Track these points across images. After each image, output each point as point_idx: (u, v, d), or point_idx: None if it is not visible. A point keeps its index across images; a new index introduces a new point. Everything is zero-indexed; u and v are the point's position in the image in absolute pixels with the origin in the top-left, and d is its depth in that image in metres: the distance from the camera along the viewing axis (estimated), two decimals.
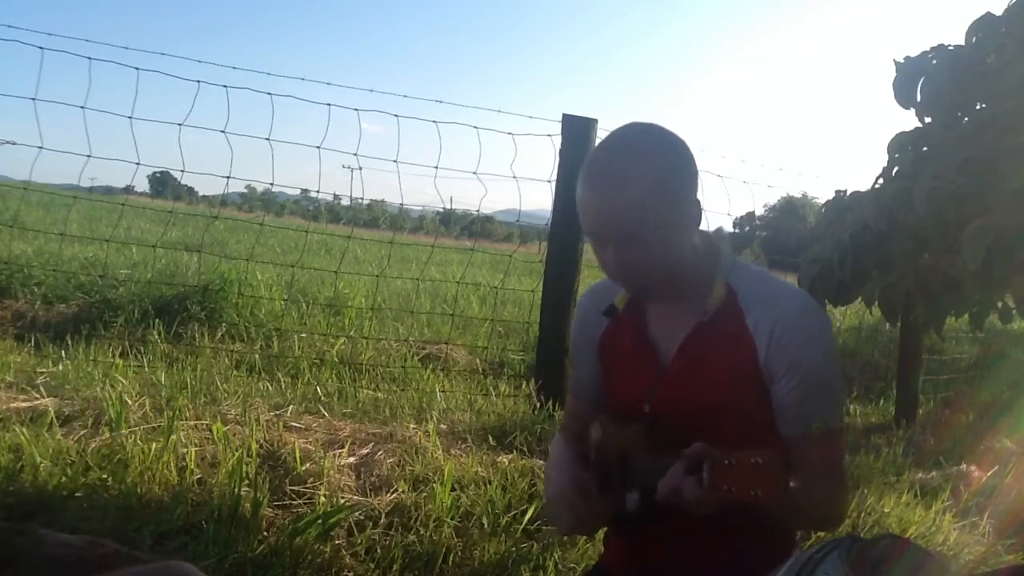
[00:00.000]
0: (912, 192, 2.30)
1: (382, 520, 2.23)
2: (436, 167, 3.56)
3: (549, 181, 3.34)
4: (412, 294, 6.28)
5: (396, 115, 3.40)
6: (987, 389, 4.73)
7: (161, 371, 3.24)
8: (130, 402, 2.60)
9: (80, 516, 1.97)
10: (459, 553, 2.17)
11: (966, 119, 2.53)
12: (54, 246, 5.93)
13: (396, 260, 9.88)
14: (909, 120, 2.67)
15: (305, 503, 2.24)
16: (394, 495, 2.35)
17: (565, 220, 3.34)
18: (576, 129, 3.29)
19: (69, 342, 3.66)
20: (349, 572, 2.03)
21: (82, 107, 3.13)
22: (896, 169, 2.67)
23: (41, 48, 3.08)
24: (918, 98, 2.57)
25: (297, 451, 2.42)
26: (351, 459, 2.52)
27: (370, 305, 5.33)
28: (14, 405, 2.58)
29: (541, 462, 2.66)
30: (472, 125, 3.49)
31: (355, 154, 3.59)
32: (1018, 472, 3.28)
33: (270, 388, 3.35)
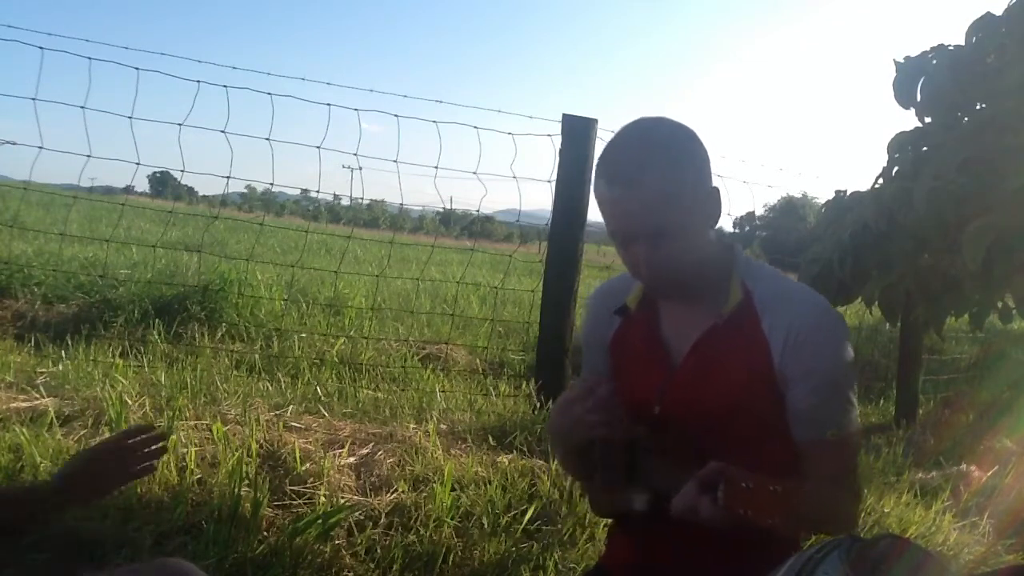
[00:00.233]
0: (912, 192, 2.30)
1: (382, 520, 2.23)
2: (436, 167, 3.56)
3: (549, 181, 3.34)
4: (412, 294, 6.28)
5: (396, 115, 3.40)
6: (987, 389, 4.73)
7: (161, 371, 3.24)
8: (130, 402, 2.60)
9: (80, 516, 1.97)
10: (459, 553, 2.17)
11: (966, 119, 2.53)
12: (54, 246, 5.93)
13: (396, 260, 9.88)
14: (909, 120, 2.67)
15: (305, 503, 2.24)
16: (394, 495, 2.35)
17: (565, 220, 3.34)
18: (576, 129, 3.29)
19: (69, 342, 3.66)
20: (349, 572, 2.03)
21: (82, 107, 3.13)
22: (896, 169, 2.67)
23: (41, 48, 3.08)
24: (918, 98, 2.57)
25: (297, 451, 2.42)
26: (351, 459, 2.52)
27: (370, 305, 5.33)
28: (14, 405, 2.58)
29: (541, 462, 2.67)
30: (472, 125, 3.49)
31: (355, 154, 3.60)
32: (1018, 472, 3.29)
33: (270, 388, 3.35)
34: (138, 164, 3.29)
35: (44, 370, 3.11)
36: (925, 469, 3.46)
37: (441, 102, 4.50)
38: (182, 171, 3.54)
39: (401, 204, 4.17)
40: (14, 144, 3.37)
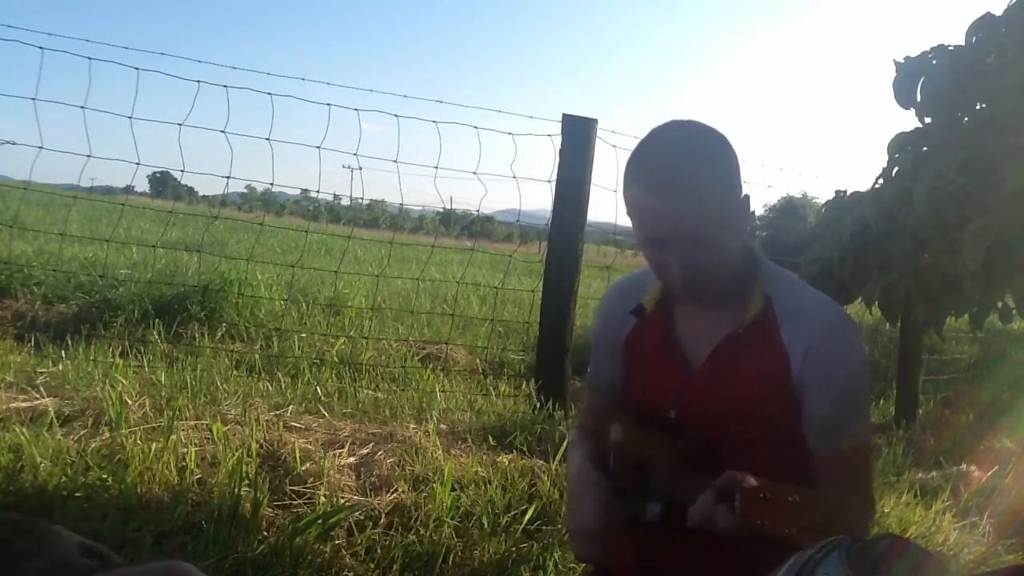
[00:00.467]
0: (912, 192, 2.30)
1: (382, 520, 2.23)
2: (436, 167, 3.57)
3: (549, 181, 3.34)
4: (412, 294, 6.28)
5: (396, 115, 3.41)
6: (987, 389, 4.73)
7: (161, 371, 3.24)
8: (130, 402, 2.60)
9: (80, 516, 1.97)
10: (459, 553, 2.17)
11: (966, 119, 2.54)
12: (54, 246, 5.93)
13: (396, 260, 9.88)
14: (909, 120, 2.67)
15: (305, 503, 2.24)
16: (394, 495, 2.35)
17: (565, 220, 3.34)
18: (576, 129, 3.29)
19: (69, 342, 3.66)
20: (349, 572, 2.03)
21: (82, 107, 3.14)
22: (896, 169, 2.67)
23: (41, 48, 3.09)
24: (918, 98, 2.58)
25: (297, 451, 2.42)
26: (351, 459, 2.52)
27: (370, 305, 5.33)
28: (14, 405, 2.58)
29: (541, 462, 2.67)
30: (472, 125, 3.49)
31: (355, 154, 3.60)
32: (1018, 472, 3.29)
33: (270, 388, 3.35)
34: (138, 164, 3.30)
35: (44, 370, 3.11)
36: (925, 469, 3.46)
37: (441, 102, 4.51)
38: (182, 171, 3.55)
39: (401, 204, 4.18)
40: (14, 144, 3.38)
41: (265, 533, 2.07)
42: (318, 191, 3.80)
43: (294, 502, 2.24)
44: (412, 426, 2.89)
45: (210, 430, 2.51)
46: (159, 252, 6.02)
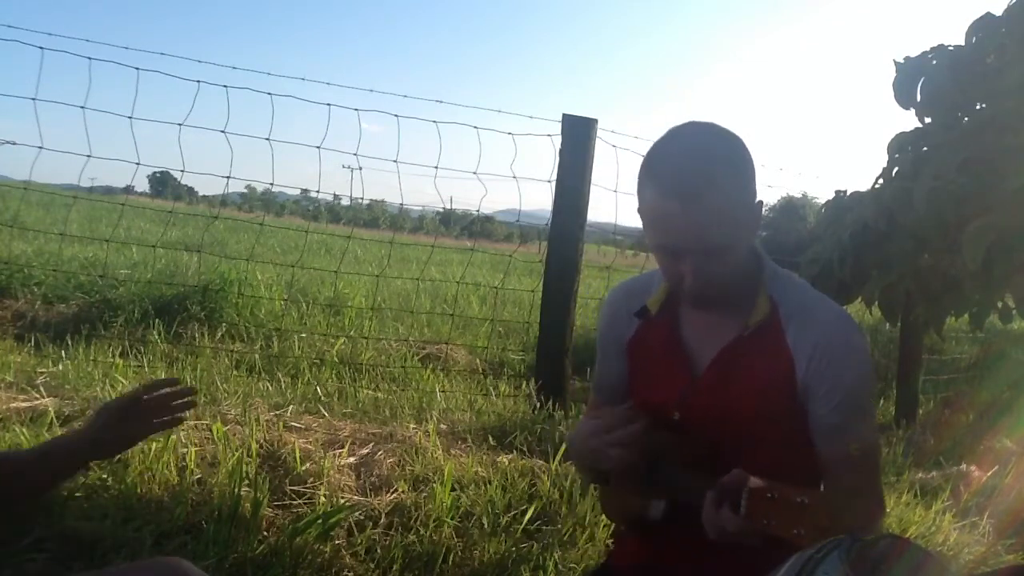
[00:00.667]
0: (912, 192, 2.30)
1: (382, 520, 2.23)
2: (436, 167, 3.57)
3: (549, 181, 3.34)
4: (412, 294, 6.28)
5: (396, 115, 3.41)
6: (987, 389, 4.73)
7: (161, 371, 3.24)
8: None
9: (80, 516, 1.97)
10: (459, 553, 2.17)
11: (966, 119, 2.54)
12: (54, 246, 5.93)
13: (396, 260, 9.88)
14: (909, 120, 2.67)
15: (305, 503, 2.24)
16: (394, 495, 2.35)
17: (565, 220, 3.34)
18: (576, 129, 3.29)
19: (69, 342, 3.66)
20: (349, 572, 2.03)
21: (82, 107, 3.13)
22: (896, 169, 2.67)
23: (41, 48, 3.09)
24: (918, 98, 2.58)
25: (297, 451, 2.42)
26: (351, 459, 2.52)
27: (370, 305, 5.33)
28: (14, 405, 2.58)
29: (541, 462, 2.66)
30: (472, 125, 3.49)
31: (355, 154, 3.60)
32: (1018, 472, 3.28)
33: (270, 388, 3.35)
34: (138, 164, 3.30)
35: (44, 370, 3.11)
36: (925, 469, 3.46)
37: (441, 102, 4.51)
38: (182, 171, 3.55)
39: (401, 204, 4.18)
40: (14, 144, 3.38)
41: (265, 533, 2.07)
42: (318, 191, 3.80)
43: (294, 502, 2.24)
44: (412, 426, 2.89)
45: (210, 430, 2.51)
46: (159, 252, 6.02)
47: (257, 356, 4.05)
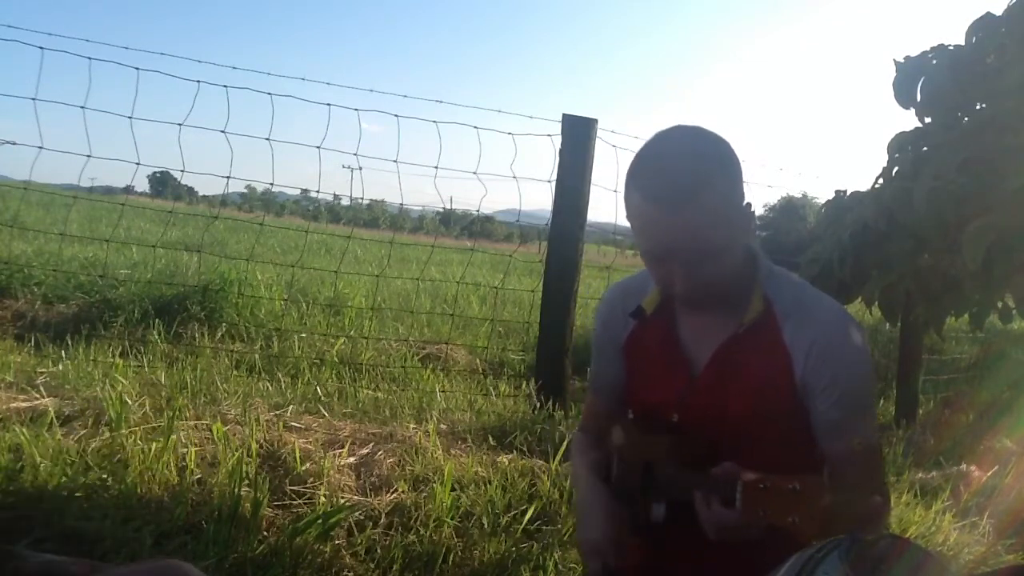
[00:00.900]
0: (912, 192, 2.30)
1: (382, 520, 2.23)
2: (436, 167, 3.57)
3: (549, 181, 3.34)
4: (412, 294, 6.28)
5: (396, 115, 3.41)
6: (987, 389, 4.73)
7: (161, 371, 3.24)
8: (130, 402, 2.60)
9: (80, 516, 1.97)
10: (459, 553, 2.17)
11: (966, 119, 2.54)
12: (54, 246, 5.93)
13: (396, 260, 9.88)
14: (909, 120, 2.68)
15: (305, 503, 2.24)
16: (394, 495, 2.35)
17: (565, 220, 3.34)
18: (576, 129, 3.29)
19: (69, 342, 3.65)
20: (349, 572, 2.03)
21: (82, 107, 3.14)
22: (896, 169, 2.67)
23: (41, 48, 3.09)
24: (918, 98, 2.58)
25: (297, 451, 2.42)
26: (351, 459, 2.52)
27: (370, 305, 5.33)
28: (14, 405, 2.58)
29: (541, 462, 2.67)
30: (472, 125, 3.49)
31: (355, 154, 3.60)
32: (1018, 472, 3.28)
33: (270, 388, 3.35)
34: (138, 164, 3.30)
35: (44, 370, 3.11)
36: (925, 469, 3.46)
37: (441, 102, 4.51)
38: (182, 171, 3.55)
39: (401, 204, 4.18)
40: (14, 144, 3.38)
41: (265, 533, 2.07)
42: (318, 191, 3.81)
43: (294, 502, 2.24)
44: (412, 426, 2.89)
45: (210, 430, 2.51)
46: (159, 252, 6.02)
47: (257, 356, 4.05)
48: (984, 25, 2.49)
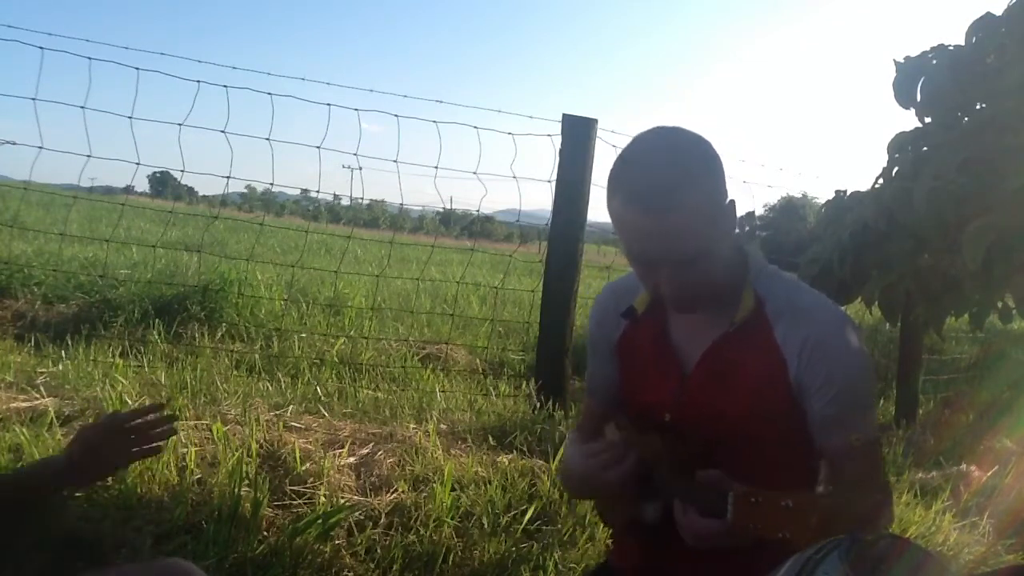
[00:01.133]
0: (912, 192, 2.30)
1: (382, 520, 2.23)
2: (436, 167, 3.57)
3: (549, 181, 3.34)
4: (412, 294, 6.28)
5: (396, 115, 3.41)
6: (987, 389, 4.73)
7: (161, 371, 3.24)
8: (130, 402, 2.60)
9: (80, 516, 1.97)
10: (459, 553, 2.17)
11: (966, 119, 2.54)
12: (54, 246, 5.93)
13: (396, 260, 9.88)
14: (909, 120, 2.67)
15: (305, 503, 2.24)
16: (394, 495, 2.35)
17: (565, 220, 3.34)
18: (576, 129, 3.29)
19: (69, 342, 3.66)
20: (349, 572, 2.03)
21: (82, 107, 3.13)
22: (896, 169, 2.67)
23: (41, 48, 3.08)
24: (918, 98, 2.58)
25: (297, 451, 2.42)
26: (351, 459, 2.52)
27: (370, 305, 5.33)
28: (14, 405, 2.58)
29: (541, 462, 2.67)
30: (472, 125, 3.49)
31: (355, 154, 3.60)
32: (1018, 472, 3.29)
33: (270, 388, 3.35)
34: (138, 164, 3.30)
35: (44, 370, 3.11)
36: (925, 469, 3.46)
37: (441, 102, 4.51)
38: (182, 171, 3.55)
39: (401, 204, 4.18)
40: (14, 144, 3.38)
41: (265, 533, 2.07)
42: (318, 191, 3.80)
43: (294, 502, 2.24)
44: (412, 426, 2.89)
45: (210, 430, 2.51)
46: (159, 252, 6.02)
47: (257, 356, 4.05)
48: (984, 25, 2.49)
